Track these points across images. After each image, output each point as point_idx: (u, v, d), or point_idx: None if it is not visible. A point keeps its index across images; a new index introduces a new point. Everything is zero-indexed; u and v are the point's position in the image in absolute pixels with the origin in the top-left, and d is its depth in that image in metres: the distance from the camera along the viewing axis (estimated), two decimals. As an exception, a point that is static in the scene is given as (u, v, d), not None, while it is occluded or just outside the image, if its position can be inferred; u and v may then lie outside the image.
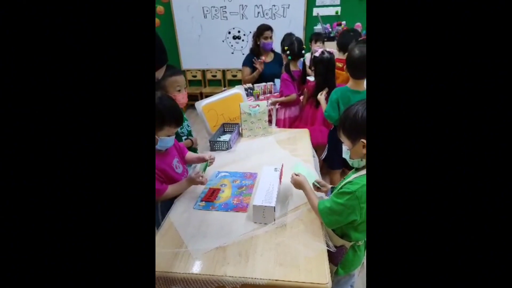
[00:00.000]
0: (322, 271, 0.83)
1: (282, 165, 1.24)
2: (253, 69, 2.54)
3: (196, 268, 0.86)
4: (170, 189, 1.18)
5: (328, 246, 0.92)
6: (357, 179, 0.91)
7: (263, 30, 2.42)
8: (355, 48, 1.52)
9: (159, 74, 0.84)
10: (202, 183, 1.20)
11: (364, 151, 0.88)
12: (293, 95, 2.23)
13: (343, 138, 0.95)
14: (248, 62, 2.55)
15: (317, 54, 2.02)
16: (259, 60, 2.44)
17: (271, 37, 2.45)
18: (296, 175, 1.11)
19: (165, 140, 1.15)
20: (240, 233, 0.99)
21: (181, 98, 1.43)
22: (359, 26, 3.66)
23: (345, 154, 0.97)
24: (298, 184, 1.11)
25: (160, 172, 1.17)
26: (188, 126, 1.61)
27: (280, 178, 1.17)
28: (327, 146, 2.00)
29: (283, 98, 2.24)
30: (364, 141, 0.86)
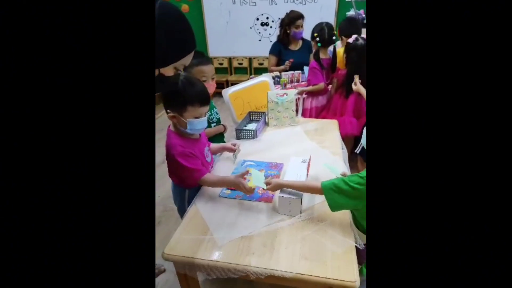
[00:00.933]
0: (350, 269, 0.80)
1: (310, 157, 1.20)
2: (279, 57, 2.47)
3: (221, 256, 0.86)
4: (213, 176, 1.14)
5: (356, 243, 0.88)
6: None
7: (295, 19, 2.31)
8: None
9: (187, 60, 0.82)
10: (246, 191, 1.05)
11: None
12: (321, 84, 2.14)
13: None
14: (275, 50, 2.49)
15: (350, 40, 1.92)
16: (288, 61, 2.38)
17: (302, 26, 2.36)
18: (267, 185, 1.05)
19: (193, 122, 1.07)
20: (264, 224, 0.98)
21: None
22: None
23: None
24: (276, 187, 1.04)
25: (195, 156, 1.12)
26: (217, 113, 1.61)
27: (308, 170, 1.14)
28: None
29: (310, 88, 2.17)
30: None
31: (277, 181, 1.05)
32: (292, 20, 2.33)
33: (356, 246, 0.88)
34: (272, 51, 2.52)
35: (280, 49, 2.47)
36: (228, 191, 1.16)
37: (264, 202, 1.09)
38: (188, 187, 1.19)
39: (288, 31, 2.37)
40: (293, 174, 1.10)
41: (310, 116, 2.19)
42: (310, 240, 0.90)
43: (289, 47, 2.46)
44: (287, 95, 1.71)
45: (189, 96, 1.04)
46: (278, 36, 2.50)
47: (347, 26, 2.20)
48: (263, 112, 1.79)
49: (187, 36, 0.79)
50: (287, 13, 2.38)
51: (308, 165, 1.16)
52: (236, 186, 1.07)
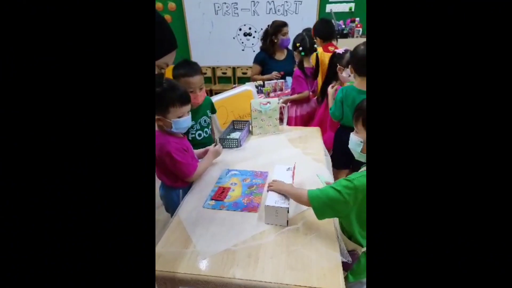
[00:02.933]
0: (336, 279, 0.79)
1: (295, 164, 1.19)
2: (263, 67, 2.49)
3: (204, 269, 0.83)
4: (200, 166, 1.26)
5: (344, 256, 0.87)
6: (362, 171, 0.90)
7: (280, 27, 2.34)
8: (361, 45, 1.47)
9: (169, 59, 0.78)
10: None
11: None
12: (306, 92, 2.17)
13: (359, 129, 0.94)
14: (258, 60, 2.51)
15: (340, 51, 1.93)
16: (278, 72, 2.41)
17: (288, 33, 2.39)
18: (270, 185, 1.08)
19: (178, 122, 1.14)
20: (250, 235, 0.95)
21: (193, 99, 1.35)
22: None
23: (357, 147, 0.95)
24: (278, 189, 1.05)
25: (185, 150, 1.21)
26: (205, 121, 1.57)
27: (293, 178, 1.13)
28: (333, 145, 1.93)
29: (295, 96, 2.19)
30: None
31: (279, 183, 1.06)
32: (278, 28, 2.35)
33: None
34: (255, 61, 2.54)
35: (265, 59, 2.49)
36: (212, 202, 1.13)
37: (249, 212, 1.07)
38: (182, 185, 1.25)
39: (275, 40, 2.38)
40: (277, 182, 1.09)
41: (296, 124, 2.21)
42: (297, 251, 0.88)
43: (274, 57, 2.48)
44: (270, 103, 1.71)
45: (169, 98, 1.12)
46: (261, 47, 2.52)
47: (323, 26, 2.17)
48: (247, 121, 1.79)
49: (166, 35, 0.76)
50: (270, 24, 2.41)
51: (293, 173, 1.15)
52: (216, 153, 1.36)
